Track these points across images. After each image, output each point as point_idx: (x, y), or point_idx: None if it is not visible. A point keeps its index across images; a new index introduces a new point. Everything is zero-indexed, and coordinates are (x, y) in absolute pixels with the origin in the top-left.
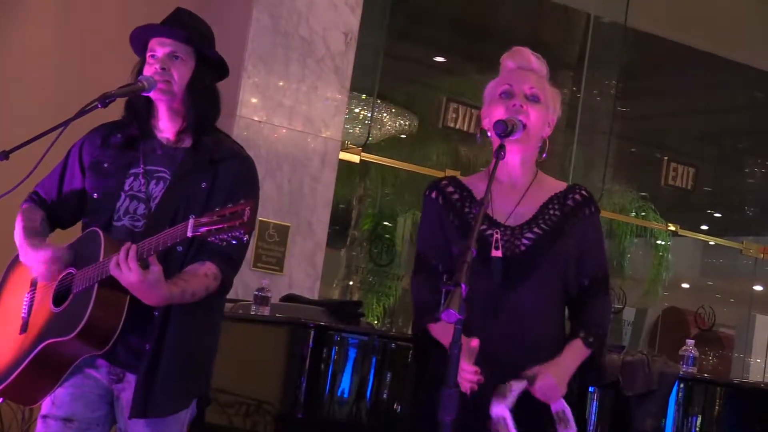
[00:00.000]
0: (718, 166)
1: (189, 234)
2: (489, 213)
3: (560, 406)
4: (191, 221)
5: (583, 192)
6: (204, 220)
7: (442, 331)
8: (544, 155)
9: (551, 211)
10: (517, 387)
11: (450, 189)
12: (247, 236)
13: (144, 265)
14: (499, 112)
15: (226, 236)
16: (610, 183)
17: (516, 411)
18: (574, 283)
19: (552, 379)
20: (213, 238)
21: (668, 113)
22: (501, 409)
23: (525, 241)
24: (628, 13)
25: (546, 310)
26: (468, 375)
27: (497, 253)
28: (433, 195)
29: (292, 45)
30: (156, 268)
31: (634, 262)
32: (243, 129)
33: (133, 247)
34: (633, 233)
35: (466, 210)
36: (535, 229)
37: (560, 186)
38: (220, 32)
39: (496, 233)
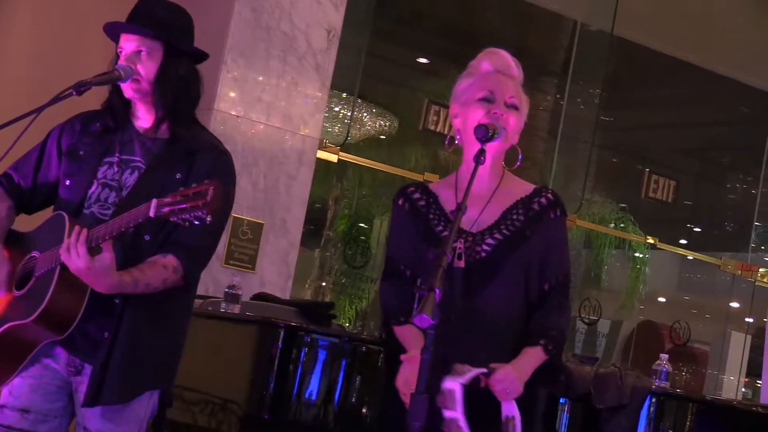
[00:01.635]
0: (699, 180)
1: (152, 214)
2: (453, 220)
3: (511, 412)
4: (154, 201)
5: (549, 195)
6: (167, 200)
7: (405, 334)
8: (518, 163)
9: (514, 216)
10: (475, 371)
11: (416, 195)
12: (209, 217)
13: (96, 251)
14: (478, 116)
15: (188, 216)
16: (590, 193)
17: (465, 413)
18: (535, 287)
19: (513, 373)
20: (175, 218)
21: (651, 125)
22: (453, 384)
23: (485, 247)
24: (616, 21)
25: (509, 316)
26: (402, 395)
27: (459, 264)
28: (400, 202)
29: (273, 40)
30: (107, 255)
31: (611, 273)
32: (220, 123)
33: (84, 231)
34: (611, 245)
35: (431, 217)
36: (496, 235)
37: (527, 189)
38: (200, 24)
39: (459, 243)
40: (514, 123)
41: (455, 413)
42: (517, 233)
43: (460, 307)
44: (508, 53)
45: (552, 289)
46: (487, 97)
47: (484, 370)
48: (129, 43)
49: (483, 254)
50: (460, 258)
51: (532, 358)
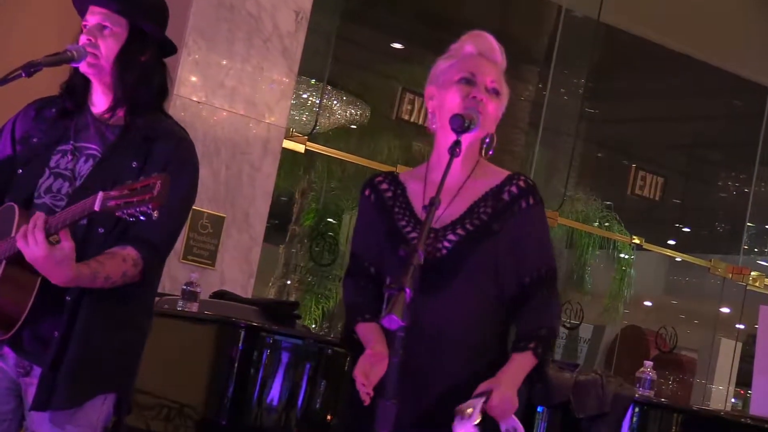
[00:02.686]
0: (689, 177)
1: (97, 208)
2: (418, 215)
3: (511, 423)
4: (100, 195)
5: (521, 182)
6: (113, 193)
7: (367, 331)
8: (491, 152)
9: (481, 209)
10: (478, 404)
11: (384, 186)
12: (155, 212)
13: (54, 240)
14: (455, 100)
15: (134, 211)
16: (573, 189)
17: None
18: (513, 282)
19: (508, 393)
20: (121, 213)
21: (639, 118)
22: (468, 428)
23: (446, 244)
24: (603, 7)
25: (474, 318)
26: (359, 386)
27: (417, 262)
28: (366, 193)
29: (237, 21)
30: (67, 245)
31: (595, 275)
32: (180, 110)
33: (42, 216)
34: (595, 245)
35: (396, 210)
36: (459, 231)
37: (498, 177)
38: None
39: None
40: (493, 110)
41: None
42: (482, 228)
43: (416, 307)
44: (494, 38)
45: (534, 284)
46: (467, 78)
47: (483, 399)
48: (93, 17)
49: (444, 251)
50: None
51: (522, 366)
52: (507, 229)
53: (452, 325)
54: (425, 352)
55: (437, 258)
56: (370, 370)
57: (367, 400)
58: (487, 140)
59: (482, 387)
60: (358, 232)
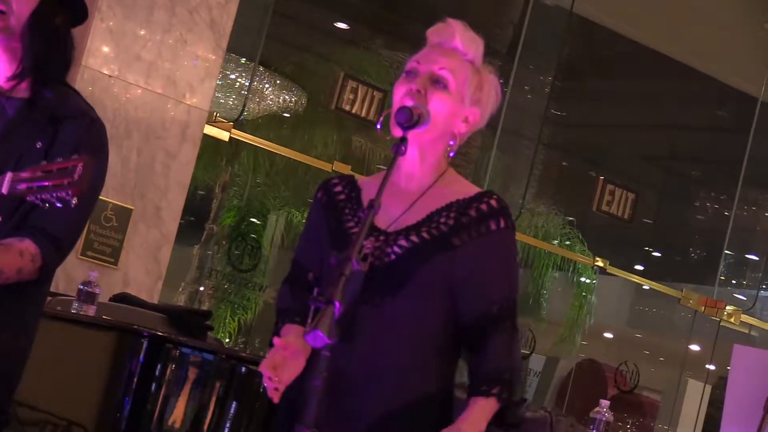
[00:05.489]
0: (663, 195)
1: (4, 190)
2: (363, 219)
3: None
4: (8, 175)
5: (493, 202)
6: (24, 175)
7: (289, 332)
8: (452, 153)
9: (442, 219)
10: None
11: (338, 189)
12: (75, 199)
13: None
14: (397, 94)
15: (49, 196)
16: (533, 201)
17: None
18: (472, 310)
19: None
20: (33, 198)
21: (611, 124)
22: None
23: (396, 249)
24: None
25: (416, 339)
26: (266, 381)
27: (362, 267)
28: (319, 195)
29: None
30: None
31: (552, 300)
32: (88, 83)
33: None
34: (554, 265)
35: (346, 211)
36: (412, 237)
37: (468, 192)
38: None
39: (368, 242)
40: (438, 103)
41: None
42: (439, 239)
43: (352, 321)
44: (464, 26)
45: (497, 317)
46: (412, 69)
47: None
48: None
49: (392, 257)
50: (365, 260)
51: (485, 412)
52: (470, 249)
53: (390, 344)
54: (355, 373)
55: (384, 263)
56: (280, 362)
57: (275, 397)
58: (452, 142)
59: None
60: (303, 238)
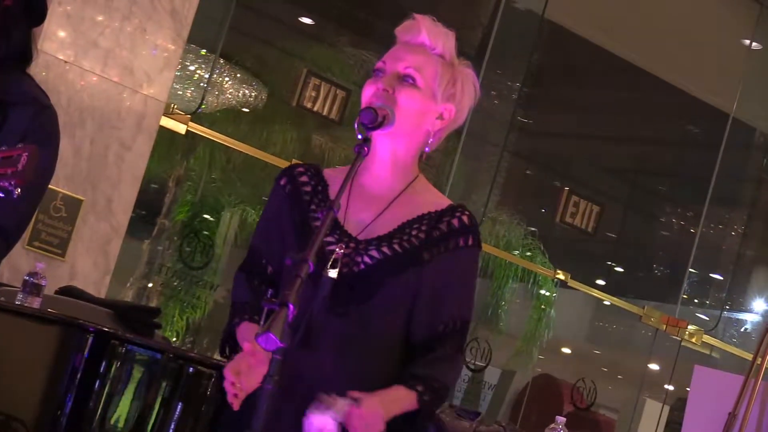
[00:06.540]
0: (628, 208)
1: None
2: (341, 221)
3: None
4: None
5: (464, 218)
6: None
7: (249, 334)
8: (427, 149)
9: (414, 232)
10: (344, 403)
11: (304, 179)
12: (18, 190)
13: None
14: (366, 95)
15: None
16: (495, 210)
17: None
18: (423, 324)
19: (379, 409)
20: None
21: (578, 134)
22: (325, 420)
23: (366, 260)
24: (549, 1)
25: (381, 345)
26: (227, 385)
27: (331, 274)
28: (282, 182)
29: None
30: None
31: (510, 312)
32: (42, 68)
33: None
34: (514, 276)
35: (312, 207)
36: (384, 248)
37: (440, 204)
38: None
39: (339, 248)
40: (406, 99)
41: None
42: (411, 252)
43: (317, 327)
44: (432, 20)
45: (445, 335)
46: (379, 68)
47: (350, 402)
48: None
49: (362, 266)
50: (335, 266)
51: (402, 400)
52: (437, 264)
53: (353, 353)
54: (317, 380)
55: (353, 272)
56: (245, 369)
57: (235, 404)
58: (426, 149)
59: (354, 394)
60: (262, 225)
